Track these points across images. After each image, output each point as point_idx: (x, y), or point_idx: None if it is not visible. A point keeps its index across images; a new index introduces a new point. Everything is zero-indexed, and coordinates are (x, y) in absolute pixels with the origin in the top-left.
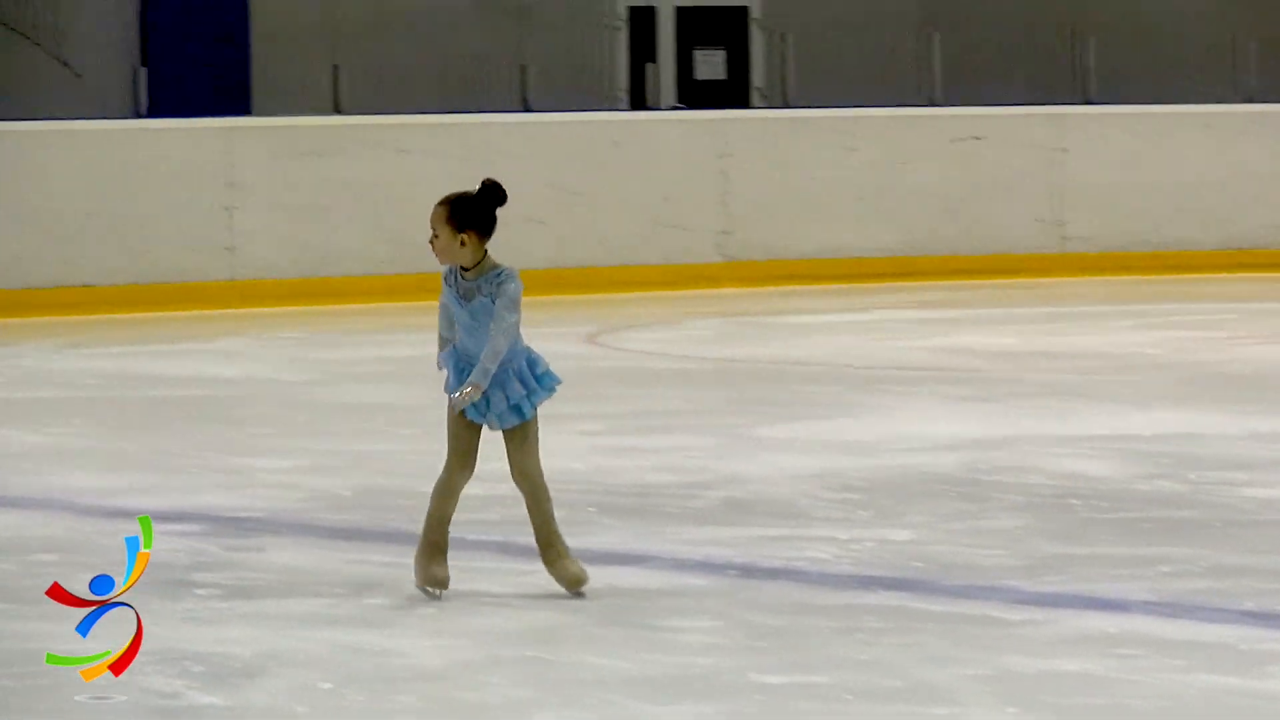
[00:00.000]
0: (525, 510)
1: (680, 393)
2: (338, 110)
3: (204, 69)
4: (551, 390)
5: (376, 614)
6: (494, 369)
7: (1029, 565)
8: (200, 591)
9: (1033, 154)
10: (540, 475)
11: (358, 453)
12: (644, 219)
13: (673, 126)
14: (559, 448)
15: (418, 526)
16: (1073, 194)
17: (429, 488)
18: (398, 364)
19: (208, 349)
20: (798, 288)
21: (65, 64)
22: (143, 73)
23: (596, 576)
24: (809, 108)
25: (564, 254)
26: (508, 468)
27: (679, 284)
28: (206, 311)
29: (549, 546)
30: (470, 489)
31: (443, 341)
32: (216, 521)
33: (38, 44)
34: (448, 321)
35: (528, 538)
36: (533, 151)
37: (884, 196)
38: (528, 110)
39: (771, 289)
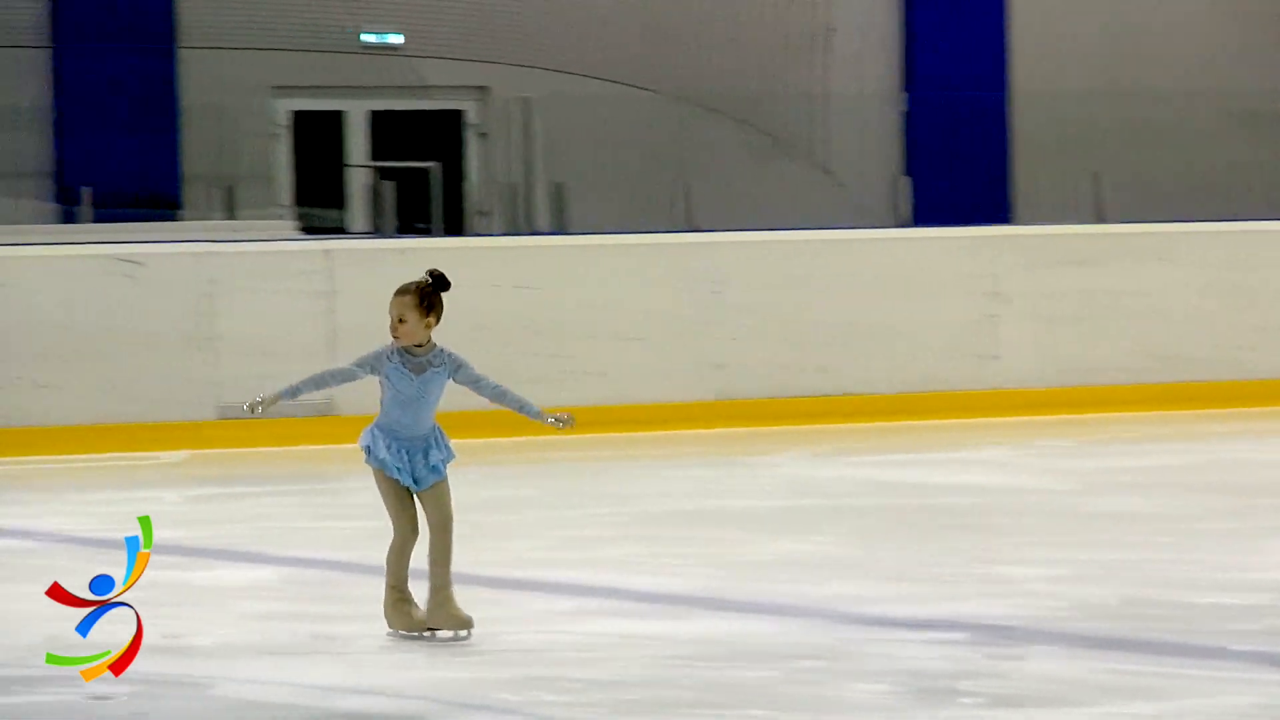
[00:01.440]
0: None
1: None
2: (1100, 219)
3: (965, 178)
4: (453, 457)
5: None
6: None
7: None
8: (965, 700)
9: None
10: (452, 523)
11: (1119, 562)
12: None
13: None
14: None
15: (1185, 637)
16: None
17: (1195, 598)
18: (1157, 473)
19: (967, 457)
20: None
21: (829, 173)
22: (904, 182)
23: None
24: None
25: None
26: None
27: None
28: (967, 420)
29: (440, 591)
30: (1221, 597)
31: (300, 386)
32: (979, 630)
33: (802, 155)
34: (329, 380)
35: None
36: None
37: None
38: None
39: None
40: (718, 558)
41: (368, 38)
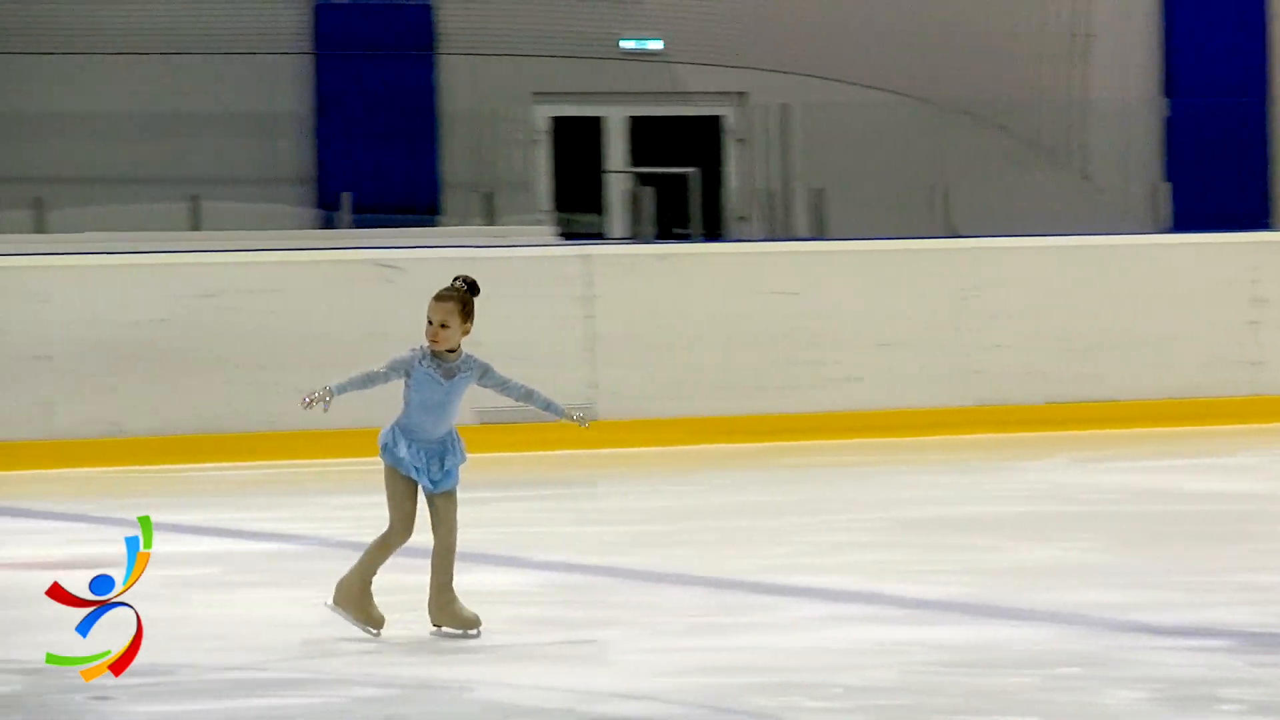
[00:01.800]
0: None
1: None
2: None
3: (1225, 184)
4: (465, 460)
5: None
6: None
7: None
8: (1226, 707)
9: None
10: (456, 531)
11: None
12: None
13: None
14: None
15: None
16: None
17: None
18: None
19: (1226, 464)
20: None
21: (1087, 179)
22: (1164, 188)
23: None
24: None
25: None
26: None
27: None
28: (1227, 426)
29: (445, 591)
30: None
31: (347, 385)
32: (1239, 637)
33: (1061, 161)
34: (370, 382)
35: None
36: None
37: None
38: None
39: None
40: (976, 563)
41: (628, 44)
